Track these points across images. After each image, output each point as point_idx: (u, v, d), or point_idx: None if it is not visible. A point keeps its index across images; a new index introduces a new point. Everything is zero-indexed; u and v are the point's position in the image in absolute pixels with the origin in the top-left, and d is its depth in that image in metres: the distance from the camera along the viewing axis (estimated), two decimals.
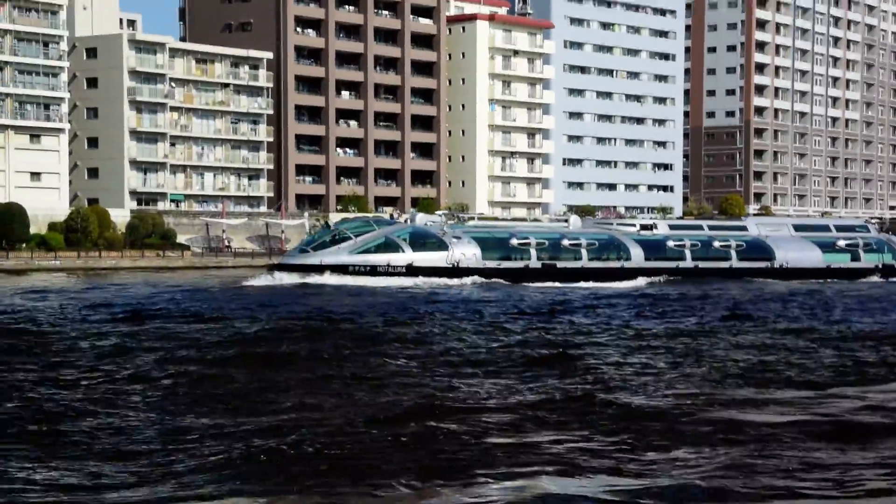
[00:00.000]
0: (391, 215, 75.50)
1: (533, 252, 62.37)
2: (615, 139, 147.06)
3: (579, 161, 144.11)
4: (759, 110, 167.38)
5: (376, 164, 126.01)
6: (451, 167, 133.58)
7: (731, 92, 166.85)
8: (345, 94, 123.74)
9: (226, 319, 34.67)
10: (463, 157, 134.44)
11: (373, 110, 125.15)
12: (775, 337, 30.71)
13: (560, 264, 62.78)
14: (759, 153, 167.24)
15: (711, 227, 73.59)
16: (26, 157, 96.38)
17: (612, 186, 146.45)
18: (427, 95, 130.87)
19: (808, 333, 31.96)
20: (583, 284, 60.12)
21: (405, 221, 64.35)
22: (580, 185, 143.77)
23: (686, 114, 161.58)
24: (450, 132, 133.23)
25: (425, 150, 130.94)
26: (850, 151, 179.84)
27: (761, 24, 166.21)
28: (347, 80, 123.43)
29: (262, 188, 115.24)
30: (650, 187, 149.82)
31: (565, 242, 64.28)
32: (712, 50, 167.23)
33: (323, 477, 13.47)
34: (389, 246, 58.47)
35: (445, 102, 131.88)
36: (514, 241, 62.82)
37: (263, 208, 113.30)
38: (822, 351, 27.11)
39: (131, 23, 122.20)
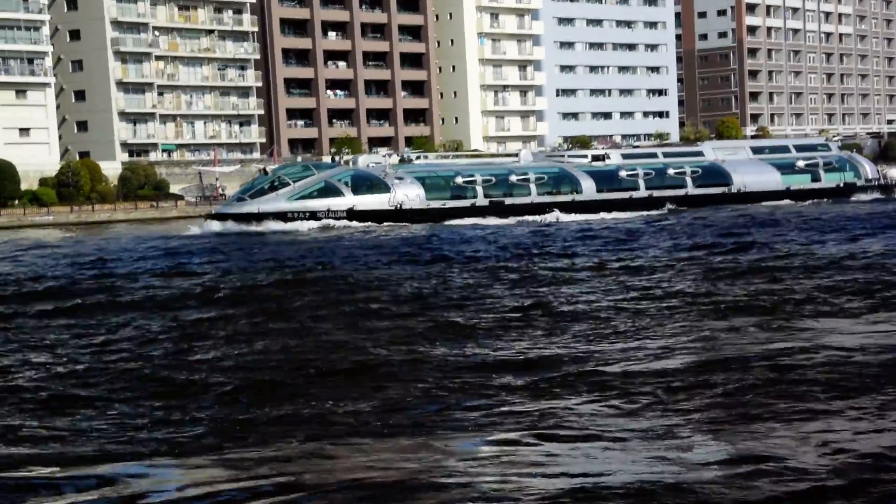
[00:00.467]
0: (332, 158, 73.18)
1: (479, 189, 60.53)
2: (608, 67, 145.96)
3: (573, 91, 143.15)
4: (752, 29, 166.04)
5: (368, 105, 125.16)
6: (443, 104, 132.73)
7: (722, 12, 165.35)
8: (331, 34, 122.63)
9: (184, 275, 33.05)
10: (455, 94, 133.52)
11: (361, 50, 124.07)
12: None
13: (508, 201, 60.90)
14: (754, 73, 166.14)
15: (666, 154, 71.08)
16: (13, 112, 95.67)
17: (607, 115, 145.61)
18: (415, 32, 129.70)
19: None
20: (529, 218, 58.20)
21: (349, 164, 62.16)
22: (575, 115, 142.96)
23: (678, 37, 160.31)
24: (440, 69, 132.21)
25: (416, 89, 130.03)
26: (846, 67, 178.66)
27: None
28: (333, 20, 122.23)
29: (254, 134, 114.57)
30: (645, 114, 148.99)
31: (513, 178, 62.41)
32: None
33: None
34: (329, 190, 56.73)
35: (434, 39, 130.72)
36: (460, 180, 60.90)
37: (256, 154, 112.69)
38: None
39: None
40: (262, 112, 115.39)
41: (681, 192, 65.85)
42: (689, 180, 66.55)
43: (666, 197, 64.54)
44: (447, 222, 57.30)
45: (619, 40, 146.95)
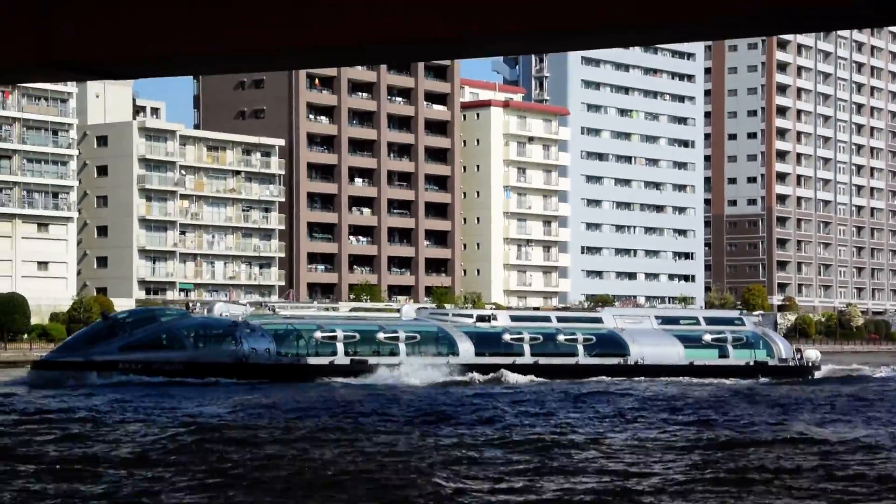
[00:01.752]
0: (186, 305, 66.53)
1: (340, 346, 56.49)
2: (634, 227, 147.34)
3: (598, 249, 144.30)
4: (782, 198, 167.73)
5: (390, 252, 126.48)
6: (465, 255, 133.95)
7: (752, 180, 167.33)
8: (358, 181, 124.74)
9: None
10: (478, 245, 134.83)
11: (386, 197, 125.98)
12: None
13: (372, 360, 56.58)
14: (783, 242, 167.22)
15: (561, 319, 67.09)
16: (34, 245, 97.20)
17: (631, 275, 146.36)
18: (441, 182, 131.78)
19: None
20: (379, 381, 53.98)
21: (204, 311, 57.46)
22: (599, 273, 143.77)
23: (707, 202, 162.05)
24: (465, 219, 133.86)
25: (440, 238, 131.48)
26: (877, 241, 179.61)
27: (782, 111, 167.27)
28: (360, 166, 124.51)
29: (274, 276, 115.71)
30: (671, 276, 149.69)
31: (380, 336, 58.23)
32: (733, 137, 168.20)
33: None
34: (170, 340, 52.68)
35: (460, 189, 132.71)
36: (319, 335, 56.59)
37: (275, 297, 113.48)
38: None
39: (155, 111, 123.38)
40: (283, 255, 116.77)
41: (570, 360, 61.51)
42: (580, 348, 62.25)
43: (553, 366, 60.11)
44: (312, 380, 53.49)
45: (647, 201, 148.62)
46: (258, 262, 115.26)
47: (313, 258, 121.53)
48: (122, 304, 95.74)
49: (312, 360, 55.32)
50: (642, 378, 61.00)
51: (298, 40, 25.30)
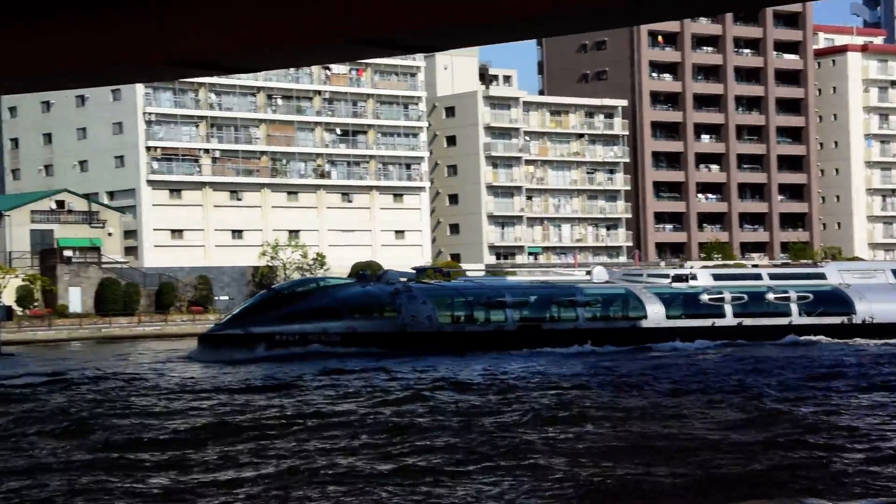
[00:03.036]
0: (361, 273, 64.54)
1: (510, 312, 52.91)
2: None
3: None
4: None
5: (741, 209, 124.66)
6: (823, 208, 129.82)
7: None
8: (704, 137, 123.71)
9: None
10: (837, 198, 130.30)
11: (735, 153, 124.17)
12: None
13: (547, 326, 52.95)
14: None
15: (775, 276, 59.96)
16: (390, 215, 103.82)
17: None
18: (794, 134, 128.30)
19: None
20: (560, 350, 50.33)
21: (375, 279, 55.11)
22: None
23: None
24: (821, 171, 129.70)
25: (794, 192, 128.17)
26: None
27: None
28: (706, 122, 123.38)
29: (621, 237, 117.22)
30: None
31: (557, 300, 54.19)
32: None
33: None
34: (328, 311, 50.70)
35: (815, 140, 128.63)
36: (484, 300, 53.33)
37: (623, 258, 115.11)
38: None
39: (507, 78, 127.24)
40: (629, 216, 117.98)
41: (782, 320, 55.94)
42: (794, 307, 56.46)
43: (760, 327, 54.87)
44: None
45: None
46: (605, 224, 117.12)
47: (660, 217, 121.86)
48: (470, 270, 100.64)
49: (473, 328, 52.02)
50: (868, 341, 54.32)
51: None
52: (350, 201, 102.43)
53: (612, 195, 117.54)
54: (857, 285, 58.99)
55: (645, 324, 53.46)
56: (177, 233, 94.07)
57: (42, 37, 33.57)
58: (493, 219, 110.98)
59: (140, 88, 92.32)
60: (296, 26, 29.95)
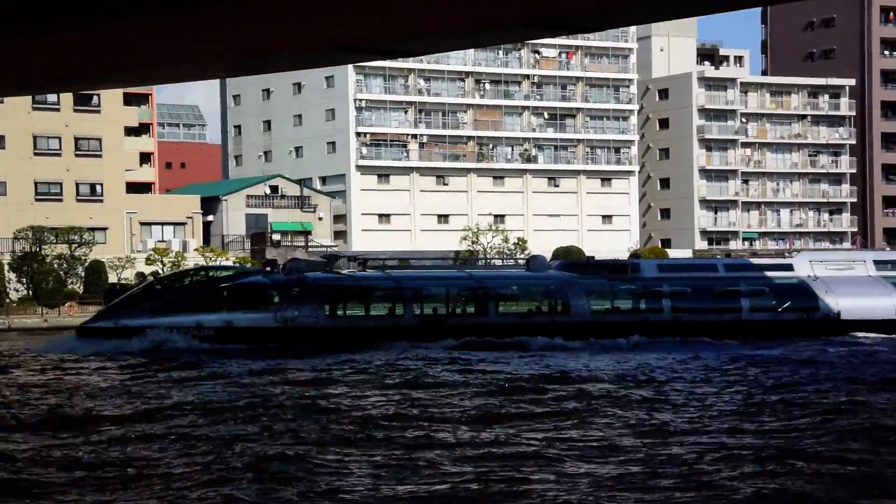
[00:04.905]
0: (265, 262, 58.95)
1: (409, 306, 47.59)
2: None
3: None
4: None
5: None
6: None
7: None
8: None
9: None
10: None
11: None
12: None
13: (453, 321, 47.00)
14: None
15: (730, 268, 53.73)
16: (597, 200, 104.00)
17: None
18: None
19: None
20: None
21: (281, 269, 49.03)
22: None
23: None
24: None
25: None
26: None
27: None
28: None
29: (845, 223, 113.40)
30: None
31: (474, 293, 48.18)
32: None
33: None
34: (205, 303, 46.42)
35: None
36: (381, 293, 48.19)
37: (847, 244, 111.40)
38: None
39: (738, 59, 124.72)
40: (854, 200, 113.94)
41: (726, 316, 49.34)
42: (744, 302, 50.29)
43: (699, 322, 48.26)
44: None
45: None
46: (827, 209, 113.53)
47: (890, 202, 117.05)
48: (682, 255, 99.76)
49: (368, 323, 46.76)
50: (831, 337, 47.39)
51: None
52: (556, 186, 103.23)
53: (835, 178, 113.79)
54: (827, 278, 51.68)
55: (569, 318, 47.38)
56: (384, 217, 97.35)
57: (249, 23, 35.01)
58: (706, 203, 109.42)
59: (351, 75, 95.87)
60: (467, 8, 30.57)
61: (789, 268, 51.89)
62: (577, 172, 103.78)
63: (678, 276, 49.48)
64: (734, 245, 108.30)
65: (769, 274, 51.29)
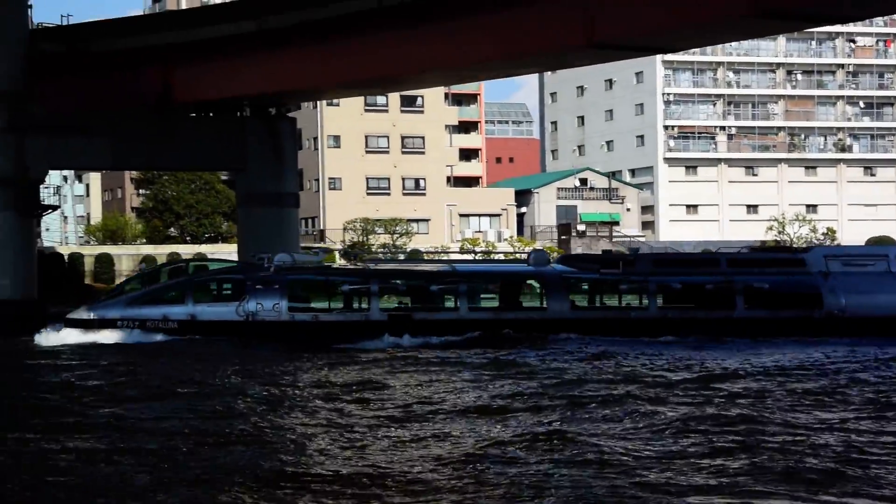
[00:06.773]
0: (254, 255, 55.26)
1: (375, 300, 46.36)
2: None
3: None
4: None
5: None
6: None
7: None
8: None
9: None
10: None
11: None
12: None
13: (420, 315, 45.53)
14: None
15: (732, 262, 44.39)
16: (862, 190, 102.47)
17: None
18: None
19: None
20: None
21: (266, 262, 48.77)
22: None
23: None
24: None
25: None
26: None
27: None
28: None
29: None
30: None
31: (444, 286, 46.60)
32: None
33: None
34: (174, 296, 47.46)
35: None
36: (348, 287, 47.12)
37: None
38: None
39: None
40: None
41: (716, 314, 45.88)
42: (738, 299, 47.46)
43: (688, 319, 45.64)
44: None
45: None
46: None
47: None
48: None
49: (332, 318, 46.44)
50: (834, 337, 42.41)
51: None
52: (873, 175, 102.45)
53: None
54: (840, 273, 46.02)
55: (546, 315, 45.71)
56: (691, 208, 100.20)
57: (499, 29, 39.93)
58: None
59: (660, 70, 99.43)
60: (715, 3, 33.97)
61: (800, 263, 48.96)
62: (894, 161, 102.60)
63: (672, 272, 47.27)
64: None
65: (774, 269, 48.49)
